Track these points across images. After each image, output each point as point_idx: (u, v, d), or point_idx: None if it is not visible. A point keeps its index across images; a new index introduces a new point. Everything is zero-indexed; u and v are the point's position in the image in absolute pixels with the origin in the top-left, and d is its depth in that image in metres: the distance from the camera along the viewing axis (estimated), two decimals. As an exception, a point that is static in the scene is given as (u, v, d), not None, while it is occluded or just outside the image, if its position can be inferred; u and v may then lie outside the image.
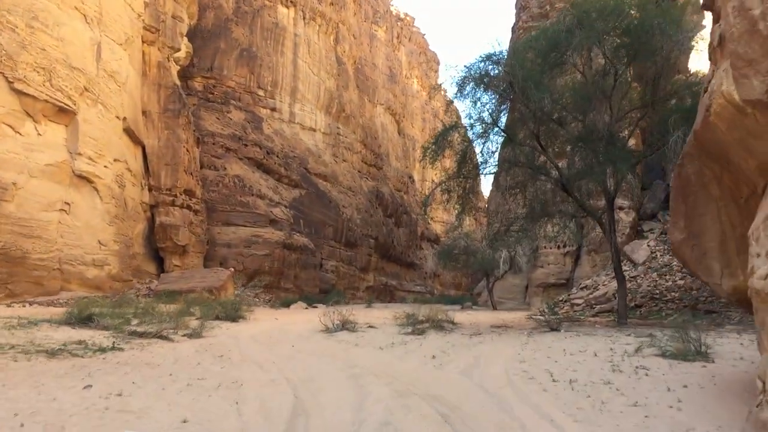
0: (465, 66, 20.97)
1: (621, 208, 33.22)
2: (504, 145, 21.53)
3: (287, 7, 56.92)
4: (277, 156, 53.04)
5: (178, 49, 44.39)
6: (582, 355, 12.46)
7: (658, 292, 27.60)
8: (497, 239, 24.45)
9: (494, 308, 40.32)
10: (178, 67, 45.96)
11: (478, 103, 20.73)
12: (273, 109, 55.70)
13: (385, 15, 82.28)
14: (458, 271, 60.22)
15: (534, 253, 39.19)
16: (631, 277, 30.39)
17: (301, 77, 57.73)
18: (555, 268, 37.68)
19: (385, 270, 69.50)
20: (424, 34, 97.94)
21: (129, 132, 38.60)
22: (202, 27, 52.02)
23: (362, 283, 63.02)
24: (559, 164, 20.99)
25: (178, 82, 43.57)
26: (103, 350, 12.98)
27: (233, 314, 24.16)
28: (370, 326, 20.94)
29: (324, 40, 61.43)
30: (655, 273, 29.32)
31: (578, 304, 30.05)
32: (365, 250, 63.31)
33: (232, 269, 38.07)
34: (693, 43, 20.38)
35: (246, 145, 50.78)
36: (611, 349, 13.28)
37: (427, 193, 22.81)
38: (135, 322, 20.93)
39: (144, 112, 41.06)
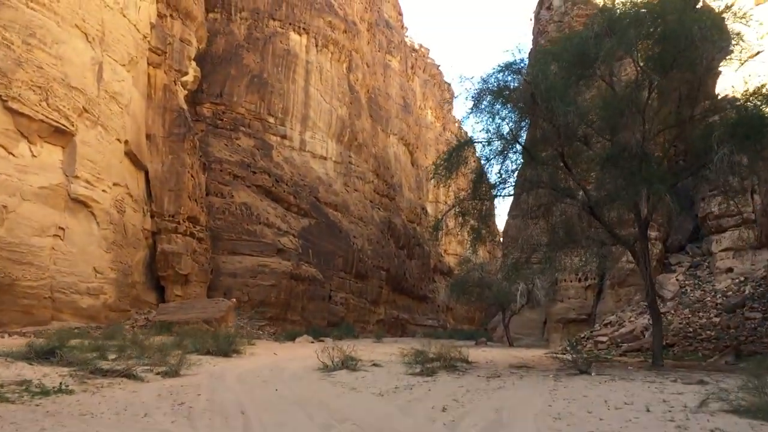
0: (481, 78, 18.60)
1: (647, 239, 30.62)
2: (525, 164, 19.02)
3: (300, 34, 55.36)
4: (287, 184, 50.98)
5: (186, 73, 42.68)
6: (630, 409, 9.85)
7: (691, 330, 24.89)
8: (516, 269, 21.75)
9: (510, 344, 37.45)
10: (186, 92, 44.22)
11: (497, 118, 18.39)
12: (283, 137, 53.79)
13: (400, 45, 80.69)
14: (472, 304, 57.23)
15: (553, 287, 36.42)
16: (661, 314, 27.71)
17: (313, 105, 55.88)
18: (576, 303, 34.85)
19: (396, 303, 66.77)
20: (439, 66, 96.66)
21: (131, 156, 36.70)
22: (212, 53, 50.49)
23: (373, 316, 60.31)
24: (586, 186, 18.46)
25: (184, 106, 41.76)
26: (45, 393, 10.60)
27: (226, 348, 21.71)
28: (374, 364, 18.40)
29: (336, 68, 59.71)
30: (687, 309, 26.61)
31: (602, 342, 27.33)
32: (376, 282, 60.72)
33: (234, 300, 35.71)
34: (734, 54, 17.98)
35: (254, 173, 48.78)
36: (664, 401, 10.66)
37: (438, 217, 20.37)
38: (113, 356, 18.62)
39: (148, 136, 39.21)
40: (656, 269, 31.59)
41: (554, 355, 26.03)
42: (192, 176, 40.53)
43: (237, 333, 31.70)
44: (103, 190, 32.86)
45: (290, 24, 54.69)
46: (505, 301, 39.46)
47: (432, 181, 19.96)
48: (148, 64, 39.28)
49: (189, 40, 42.62)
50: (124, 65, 35.25)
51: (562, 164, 18.08)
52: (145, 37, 37.83)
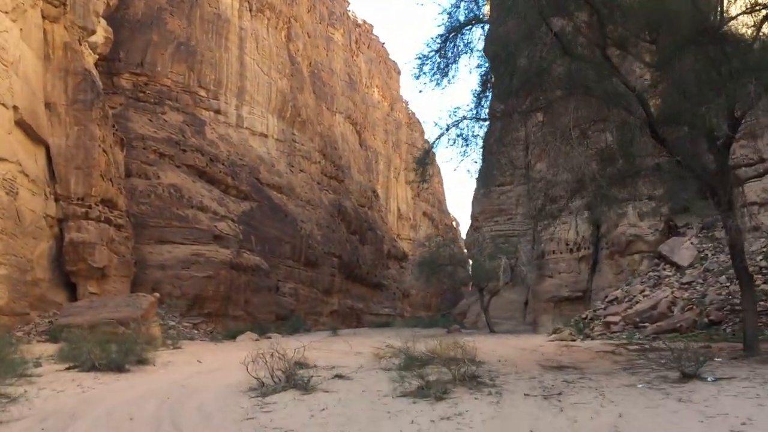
0: None
1: (652, 197, 24.52)
2: (556, 60, 12.14)
3: (231, -4, 47.70)
4: (223, 164, 43.59)
5: (93, 32, 34.85)
6: None
7: (737, 301, 18.84)
8: (552, 216, 14.86)
9: (491, 330, 30.95)
10: (96, 56, 36.43)
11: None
12: (217, 112, 46.28)
13: (342, 18, 73.42)
14: (440, 285, 50.25)
15: (539, 260, 30.07)
16: (683, 284, 21.75)
17: (249, 76, 48.45)
18: (568, 278, 28.54)
19: (350, 292, 59.86)
20: (384, 43, 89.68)
21: (24, 126, 28.98)
22: (129, 16, 42.63)
23: (325, 307, 53.30)
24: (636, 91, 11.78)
25: (92, 69, 33.93)
26: None
27: (120, 360, 14.52)
28: (338, 375, 11.63)
29: (274, 36, 52.29)
30: (724, 276, 20.57)
31: (615, 323, 21.21)
32: (328, 270, 53.71)
33: (157, 294, 28.36)
34: None
35: (185, 151, 41.21)
36: None
37: (429, 144, 13.83)
38: None
39: (47, 105, 31.41)
40: (663, 233, 25.64)
41: (565, 342, 19.68)
42: (104, 151, 32.84)
43: (156, 335, 24.58)
44: (-16, 166, 25.29)
45: (220, -15, 47.04)
46: (483, 280, 32.75)
47: (416, 80, 13.03)
48: (43, 17, 31.39)
49: (95, -9, 34.70)
50: (6, 12, 27.50)
51: (602, 57, 11.46)
52: (36, -18, 29.91)
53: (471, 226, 39.01)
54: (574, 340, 20.26)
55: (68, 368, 15.12)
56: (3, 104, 26.99)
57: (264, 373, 10.51)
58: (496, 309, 32.50)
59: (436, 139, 13.07)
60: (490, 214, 36.56)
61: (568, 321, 25.88)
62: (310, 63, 60.81)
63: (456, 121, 12.65)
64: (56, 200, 31.38)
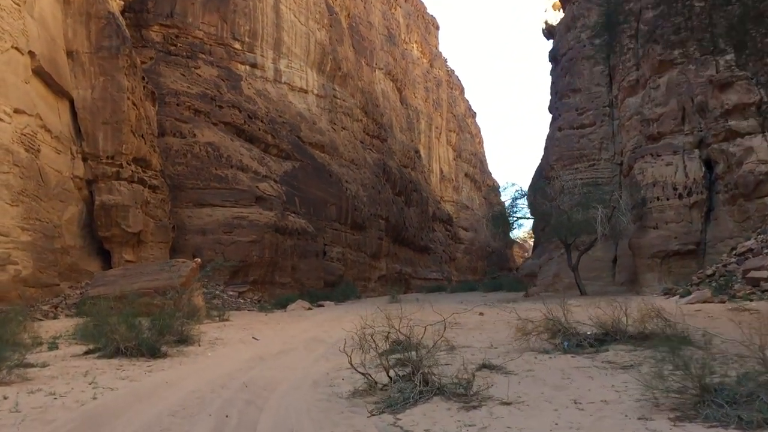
0: None
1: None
2: None
3: (262, -60, 43.07)
4: (262, 121, 39.52)
5: (116, -28, 30.67)
6: None
7: None
8: None
9: (582, 293, 26.36)
10: (121, 2, 32.32)
11: None
12: (253, 65, 42.10)
13: (377, -33, 68.22)
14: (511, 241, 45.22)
15: (638, 210, 25.32)
16: None
17: (286, 27, 44.02)
18: (677, 228, 23.72)
19: (398, 256, 55.76)
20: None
21: (44, 76, 25.27)
22: (157, -37, 38.33)
23: (374, 272, 49.39)
24: None
25: (117, 14, 29.92)
26: None
27: (151, 342, 10.53)
28: (485, 366, 7.28)
29: (310, -16, 47.60)
30: None
31: (764, 279, 16.55)
32: (375, 233, 49.63)
33: (198, 260, 24.45)
34: None
35: (221, 107, 37.26)
36: None
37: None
38: None
39: (69, 53, 27.64)
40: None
41: (734, 305, 15.19)
42: (134, 105, 28.98)
43: (200, 305, 20.77)
44: (-3, 119, 21.55)
45: (250, -72, 42.40)
46: (571, 235, 27.49)
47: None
48: (60, -47, 27.23)
49: (117, -73, 30.54)
50: (15, -57, 23.34)
51: None
52: None
53: (540, 175, 34.18)
54: (723, 302, 15.89)
55: (87, 353, 11.22)
56: (17, 48, 23.12)
57: (362, 364, 6.37)
58: (581, 268, 27.65)
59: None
60: (569, 160, 31.74)
61: (679, 280, 21.38)
62: (348, 14, 55.96)
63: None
64: (84, 159, 27.69)
